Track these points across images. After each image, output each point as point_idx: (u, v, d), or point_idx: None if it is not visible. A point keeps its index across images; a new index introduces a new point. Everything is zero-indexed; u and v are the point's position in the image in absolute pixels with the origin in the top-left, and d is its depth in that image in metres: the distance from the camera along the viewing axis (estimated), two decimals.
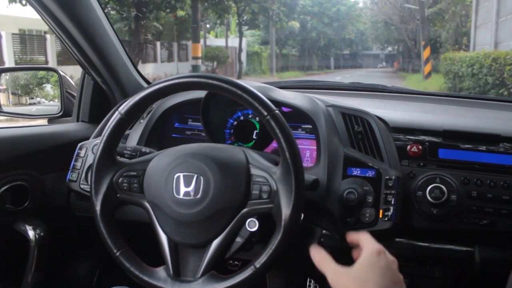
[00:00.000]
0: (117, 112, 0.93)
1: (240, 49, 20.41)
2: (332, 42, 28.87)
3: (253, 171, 0.91)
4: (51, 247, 1.19)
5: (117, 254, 0.93)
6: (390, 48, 29.57)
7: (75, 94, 1.52)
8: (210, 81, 0.88)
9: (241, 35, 21.46)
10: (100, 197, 0.94)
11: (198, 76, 0.89)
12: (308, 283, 1.47)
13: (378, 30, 27.56)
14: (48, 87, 1.81)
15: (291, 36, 26.99)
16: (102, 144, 0.94)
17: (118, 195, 0.95)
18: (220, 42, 23.53)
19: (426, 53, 16.37)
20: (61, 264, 1.34)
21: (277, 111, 0.86)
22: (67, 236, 1.27)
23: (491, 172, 1.09)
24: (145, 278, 0.92)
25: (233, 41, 23.11)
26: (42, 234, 1.16)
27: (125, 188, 0.95)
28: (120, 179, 0.95)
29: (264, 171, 0.90)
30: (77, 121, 1.45)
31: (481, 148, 1.12)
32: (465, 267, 1.11)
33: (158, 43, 17.02)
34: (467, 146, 1.13)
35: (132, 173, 0.95)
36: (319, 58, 29.07)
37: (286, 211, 0.85)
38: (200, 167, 0.91)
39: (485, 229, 1.06)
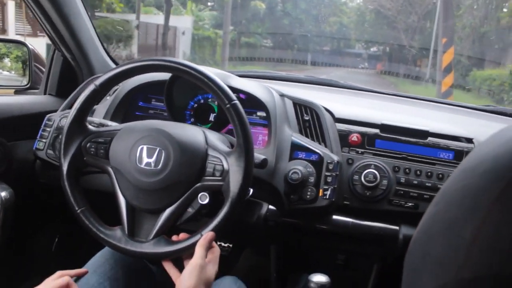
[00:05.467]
0: (92, 84, 1.02)
1: (167, 28, 14.86)
2: (310, 33, 23.69)
3: (210, 151, 1.00)
4: (16, 211, 1.26)
5: (78, 211, 1.02)
6: (374, 48, 25.10)
7: (43, 69, 1.58)
8: (181, 66, 0.98)
9: (168, 7, 16.18)
10: (68, 158, 1.03)
11: (170, 61, 0.99)
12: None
13: (365, 24, 23.65)
14: (6, 60, 1.86)
15: (254, 19, 22.18)
16: (75, 111, 1.02)
17: (84, 158, 1.04)
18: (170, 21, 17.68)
19: (447, 56, 10.10)
20: (24, 228, 1.41)
21: (236, 102, 0.97)
22: (31, 202, 1.34)
23: (418, 162, 1.24)
24: (102, 236, 1.01)
25: (185, 21, 17.87)
26: (8, 197, 1.23)
27: (92, 152, 1.04)
28: (88, 144, 1.04)
29: (219, 153, 1.00)
30: (45, 94, 1.52)
31: (412, 141, 1.26)
32: (391, 244, 1.26)
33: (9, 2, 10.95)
34: (400, 138, 1.27)
35: (100, 140, 1.04)
36: (295, 51, 23.90)
37: (234, 189, 0.96)
38: (163, 142, 1.00)
39: (409, 211, 1.21)
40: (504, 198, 0.40)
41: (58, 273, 0.98)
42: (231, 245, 1.64)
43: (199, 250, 0.93)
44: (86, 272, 1.04)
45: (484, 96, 8.48)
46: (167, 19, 14.65)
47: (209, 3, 20.53)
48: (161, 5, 19.58)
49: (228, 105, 0.97)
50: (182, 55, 16.05)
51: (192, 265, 0.91)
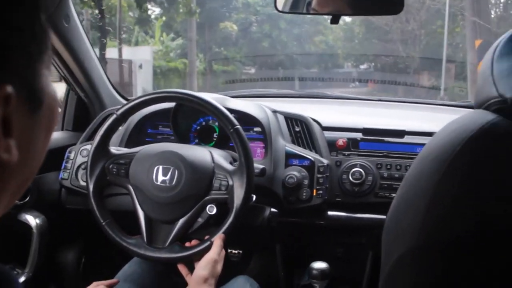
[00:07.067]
0: (114, 114, 1.20)
1: (104, 61, 9.66)
2: (294, 57, 19.76)
3: (216, 169, 1.17)
4: (48, 235, 1.42)
5: (104, 223, 1.19)
6: (364, 65, 22.41)
7: None
8: (190, 97, 1.17)
9: (104, 35, 11.72)
10: (94, 178, 1.20)
11: (180, 92, 1.18)
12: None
13: (354, 40, 20.73)
14: None
15: (226, 43, 19.31)
16: (99, 137, 1.20)
17: (107, 178, 1.21)
18: (126, 53, 14.35)
19: None
20: (55, 250, 1.57)
21: (238, 127, 1.15)
22: (60, 226, 1.48)
23: (398, 158, 1.41)
24: (124, 244, 1.18)
25: (143, 53, 15.38)
26: (41, 223, 1.39)
27: (114, 172, 1.21)
28: (111, 165, 1.21)
29: (224, 171, 1.17)
30: (62, 129, 1.69)
31: (391, 141, 1.44)
32: (380, 232, 1.41)
33: None
34: (381, 139, 1.45)
35: (121, 161, 1.21)
36: (280, 77, 19.61)
37: (238, 201, 1.13)
38: (176, 162, 1.17)
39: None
40: (446, 178, 0.52)
41: (94, 283, 1.14)
42: (240, 251, 1.79)
43: (215, 248, 1.10)
44: (117, 282, 1.20)
45: None
46: (102, 50, 10.98)
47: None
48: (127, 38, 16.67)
49: (231, 130, 1.14)
50: (141, 92, 12.63)
51: (207, 258, 1.08)
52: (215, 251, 1.10)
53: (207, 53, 18.67)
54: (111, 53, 13.24)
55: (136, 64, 13.61)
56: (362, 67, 21.70)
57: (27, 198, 1.40)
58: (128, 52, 14.72)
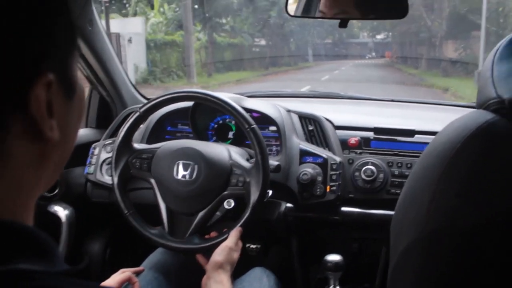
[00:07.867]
0: (137, 112, 1.26)
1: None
2: (306, 26, 19.53)
3: (234, 166, 1.24)
4: (75, 227, 1.49)
5: (127, 214, 1.26)
6: (381, 36, 22.25)
7: None
8: (208, 97, 1.23)
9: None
10: (118, 171, 1.27)
11: (198, 92, 1.23)
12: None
13: None
14: None
15: (227, 12, 17.69)
16: (123, 133, 1.27)
17: (131, 171, 1.28)
18: (116, 26, 12.89)
19: None
20: (82, 241, 1.66)
21: (255, 126, 1.21)
22: (86, 219, 1.55)
23: (409, 156, 1.46)
24: (147, 234, 1.24)
25: (133, 25, 13.69)
26: (69, 214, 1.46)
27: (137, 166, 1.28)
28: (134, 160, 1.28)
29: (241, 168, 1.23)
30: (86, 127, 1.77)
31: (401, 140, 1.49)
32: None
33: None
34: (391, 138, 1.50)
35: (143, 156, 1.28)
36: (292, 48, 19.67)
37: (254, 196, 1.20)
38: (196, 158, 1.23)
39: None
40: (447, 173, 0.56)
41: (121, 270, 1.22)
42: (259, 246, 1.86)
43: (231, 237, 1.17)
44: (143, 270, 1.28)
45: None
46: (107, 22, 10.83)
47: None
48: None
49: (248, 129, 1.20)
50: (133, 70, 12.45)
51: (223, 246, 1.15)
52: (231, 241, 1.16)
53: (207, 24, 16.77)
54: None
55: (125, 38, 12.56)
56: (378, 37, 21.67)
57: (56, 191, 1.48)
58: (117, 25, 13.58)
